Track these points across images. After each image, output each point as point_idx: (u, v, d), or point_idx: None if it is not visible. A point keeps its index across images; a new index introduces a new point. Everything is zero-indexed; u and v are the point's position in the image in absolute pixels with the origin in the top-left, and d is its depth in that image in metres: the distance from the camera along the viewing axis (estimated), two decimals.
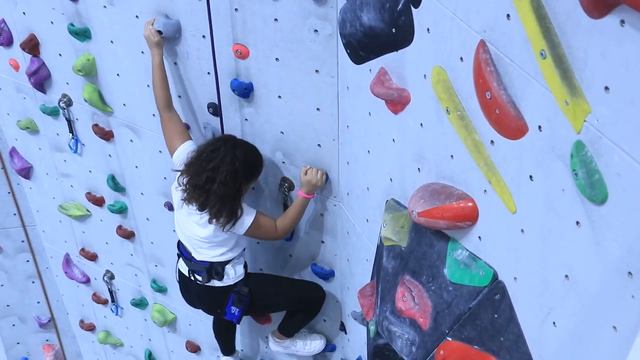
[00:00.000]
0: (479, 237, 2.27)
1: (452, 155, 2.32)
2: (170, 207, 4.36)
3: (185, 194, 3.37)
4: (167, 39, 3.50)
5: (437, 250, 2.47)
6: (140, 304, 5.28)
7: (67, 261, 5.52)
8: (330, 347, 4.28)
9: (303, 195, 3.51)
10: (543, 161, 1.85)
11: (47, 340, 6.37)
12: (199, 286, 3.69)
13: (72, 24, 3.87)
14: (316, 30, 3.05)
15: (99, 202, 4.78)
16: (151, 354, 5.72)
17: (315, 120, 3.35)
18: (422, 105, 2.45)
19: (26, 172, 5.06)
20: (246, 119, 3.56)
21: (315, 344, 4.19)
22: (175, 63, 3.62)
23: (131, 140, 4.22)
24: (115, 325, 5.73)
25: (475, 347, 2.33)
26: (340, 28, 2.90)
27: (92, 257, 5.27)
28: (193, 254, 3.60)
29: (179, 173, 3.41)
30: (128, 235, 4.85)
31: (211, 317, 4.84)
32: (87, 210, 4.95)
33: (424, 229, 2.51)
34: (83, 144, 4.52)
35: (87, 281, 5.52)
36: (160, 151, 4.09)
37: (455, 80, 2.19)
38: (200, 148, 3.36)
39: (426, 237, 2.52)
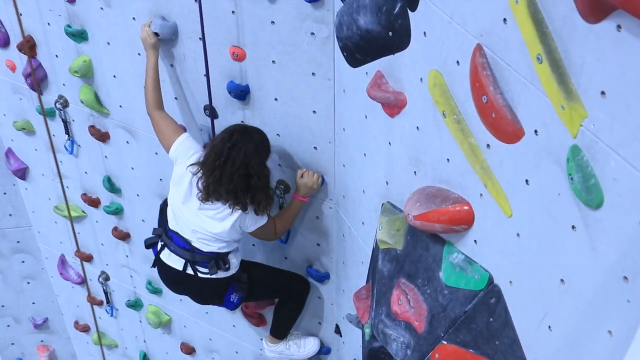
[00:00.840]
0: (475, 240, 2.27)
1: (448, 159, 2.32)
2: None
3: (209, 195, 3.30)
4: (164, 41, 3.50)
5: (433, 253, 2.47)
6: (135, 305, 5.27)
7: (62, 262, 5.51)
8: (325, 350, 4.28)
9: (299, 198, 3.51)
10: (539, 165, 1.85)
11: (41, 341, 6.35)
12: (197, 278, 3.58)
13: (69, 26, 3.86)
14: (313, 33, 3.05)
15: (94, 203, 4.78)
16: (146, 355, 5.71)
17: (311, 122, 3.36)
18: (418, 108, 2.46)
19: (22, 173, 5.05)
20: (242, 122, 3.56)
21: (310, 345, 4.19)
22: (172, 65, 3.62)
23: (127, 141, 4.22)
24: (110, 326, 5.72)
25: (471, 350, 2.33)
26: (337, 31, 2.90)
27: (88, 258, 5.26)
28: (196, 246, 3.49)
29: (193, 172, 3.32)
30: (123, 236, 4.84)
31: (205, 319, 4.84)
32: (83, 212, 4.94)
33: (419, 232, 2.51)
34: (79, 145, 4.51)
35: (82, 282, 5.51)
36: (156, 153, 4.08)
37: (451, 84, 2.20)
38: (215, 146, 3.26)
39: (422, 240, 2.52)
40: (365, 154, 3.06)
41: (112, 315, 5.55)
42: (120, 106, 4.06)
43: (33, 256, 5.70)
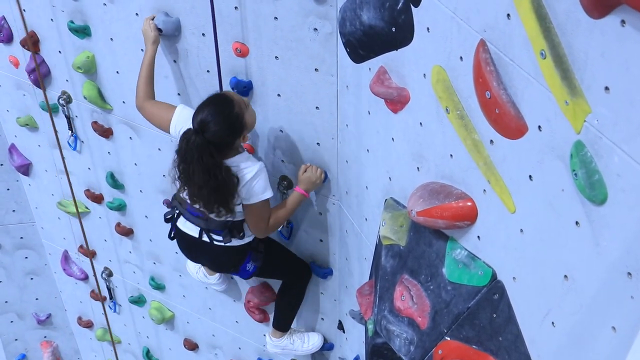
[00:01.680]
0: (478, 236, 2.27)
1: (451, 155, 2.32)
2: (168, 204, 4.35)
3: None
4: (167, 37, 3.50)
5: (436, 249, 2.47)
6: (138, 301, 5.28)
7: (66, 258, 5.52)
8: (328, 346, 4.28)
9: (300, 191, 3.46)
10: (543, 161, 1.85)
11: (45, 336, 6.36)
12: (213, 246, 3.54)
13: (72, 21, 3.86)
14: (316, 29, 3.04)
15: (97, 199, 4.78)
16: (149, 351, 5.72)
17: (314, 118, 3.35)
18: (421, 104, 2.45)
19: (25, 169, 5.06)
20: None
21: (313, 341, 4.19)
22: (175, 61, 3.62)
23: (130, 137, 4.22)
24: (113, 322, 5.73)
25: (474, 346, 2.33)
26: (340, 27, 2.89)
27: (91, 254, 5.26)
28: (211, 215, 3.41)
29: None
30: (127, 232, 4.85)
31: (208, 314, 4.84)
32: (86, 207, 4.94)
33: (422, 228, 2.51)
34: (82, 141, 4.51)
35: (85, 278, 5.52)
36: (159, 149, 4.08)
37: (454, 79, 2.19)
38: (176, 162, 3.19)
39: (425, 236, 2.52)
40: (368, 150, 3.05)
41: (115, 311, 5.56)
42: (124, 102, 4.07)
43: (36, 252, 5.71)
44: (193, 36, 3.45)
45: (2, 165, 5.16)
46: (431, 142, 2.44)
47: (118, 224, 4.85)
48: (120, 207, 4.71)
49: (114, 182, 4.56)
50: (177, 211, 3.59)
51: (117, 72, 3.93)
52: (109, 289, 5.38)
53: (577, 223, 1.75)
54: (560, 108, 1.71)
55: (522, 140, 1.91)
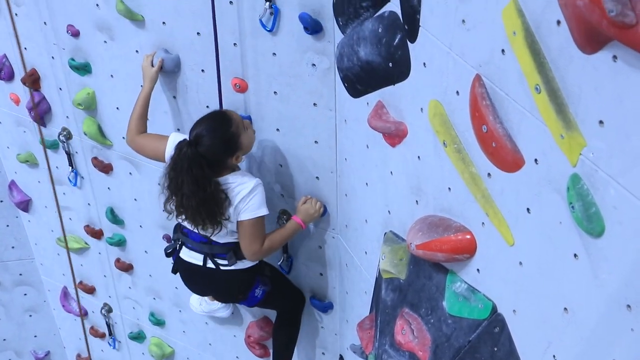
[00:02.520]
0: (478, 269, 2.27)
1: (449, 188, 2.33)
2: (168, 239, 4.35)
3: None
4: (167, 73, 3.54)
5: (436, 282, 2.47)
6: (138, 337, 5.24)
7: (65, 294, 5.49)
8: None
9: (297, 221, 3.43)
10: (540, 194, 1.86)
11: None
12: (220, 272, 3.51)
13: (72, 59, 3.91)
14: (314, 64, 3.08)
15: (97, 234, 4.78)
16: None
17: (313, 153, 3.37)
18: (419, 138, 2.47)
19: (25, 205, 5.06)
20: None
21: None
22: (174, 97, 3.65)
23: (130, 173, 4.24)
24: (112, 359, 5.68)
25: None
26: (338, 62, 2.93)
27: (90, 290, 5.25)
28: (213, 237, 3.40)
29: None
30: (126, 268, 4.84)
31: (209, 350, 4.81)
32: (86, 243, 4.94)
33: (422, 262, 2.51)
34: (82, 177, 4.53)
35: (85, 314, 5.49)
36: (159, 184, 4.09)
37: (451, 113, 2.22)
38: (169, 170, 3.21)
39: (425, 269, 2.52)
40: (367, 184, 3.07)
41: (114, 347, 5.52)
42: (124, 138, 4.07)
43: (35, 289, 5.69)
44: (192, 72, 3.49)
45: (1, 201, 5.17)
46: (429, 175, 2.46)
47: (118, 260, 4.84)
48: (120, 243, 4.71)
49: (114, 218, 4.56)
50: (179, 242, 3.58)
51: (117, 108, 3.96)
52: (108, 325, 5.35)
53: (575, 255, 1.76)
54: (556, 141, 1.73)
55: (519, 173, 1.93)
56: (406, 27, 2.39)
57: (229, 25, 3.18)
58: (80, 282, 5.25)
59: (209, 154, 3.11)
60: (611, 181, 1.58)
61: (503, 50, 1.87)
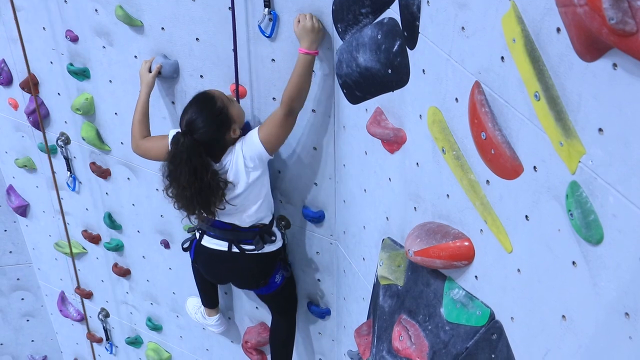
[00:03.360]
0: (476, 276, 2.27)
1: (448, 195, 2.33)
2: (166, 244, 4.35)
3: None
4: (165, 79, 3.54)
5: (434, 289, 2.46)
6: (135, 342, 5.23)
7: (62, 299, 5.48)
8: None
9: (303, 52, 2.91)
10: (539, 201, 1.86)
11: None
12: (245, 256, 3.48)
13: (71, 64, 3.91)
14: (313, 71, 3.08)
15: (95, 239, 4.77)
16: None
17: (312, 159, 3.37)
18: (418, 145, 2.47)
19: (23, 210, 5.06)
20: None
21: None
22: (173, 102, 3.65)
23: (128, 178, 4.23)
24: None
25: None
26: (337, 68, 2.93)
27: (88, 295, 5.24)
28: (237, 223, 3.37)
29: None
30: (124, 273, 4.83)
31: (206, 356, 4.79)
32: (83, 248, 4.93)
33: (420, 268, 2.51)
34: (80, 182, 4.52)
35: (82, 319, 5.48)
36: (157, 189, 4.09)
37: (450, 120, 2.22)
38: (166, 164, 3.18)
39: (423, 276, 2.52)
40: (365, 190, 3.07)
41: (111, 352, 5.50)
42: (122, 143, 4.09)
43: (32, 293, 5.68)
44: (191, 78, 3.49)
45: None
46: (428, 182, 2.46)
47: (115, 265, 4.83)
48: (118, 248, 4.70)
49: (112, 223, 4.56)
50: (200, 232, 3.55)
51: (116, 113, 3.96)
52: (105, 330, 5.34)
53: (574, 263, 1.76)
54: (555, 149, 1.73)
55: (518, 180, 1.93)
56: (405, 33, 2.39)
57: (228, 32, 3.19)
58: (78, 287, 5.23)
59: (206, 137, 3.08)
60: (610, 189, 1.58)
61: (502, 58, 1.87)
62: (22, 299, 5.72)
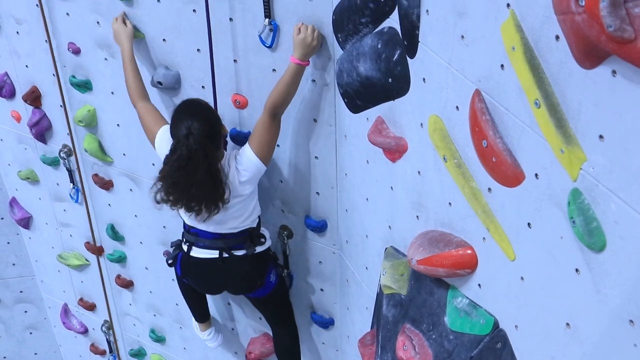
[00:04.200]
0: (479, 284, 2.26)
1: (450, 203, 2.33)
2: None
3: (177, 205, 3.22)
4: (167, 89, 3.55)
5: (437, 298, 2.46)
6: (138, 354, 5.22)
7: (65, 311, 5.48)
8: None
9: (296, 62, 2.97)
10: (541, 209, 1.86)
11: None
12: (237, 260, 3.49)
13: (73, 76, 3.92)
14: (314, 80, 3.09)
15: (98, 251, 4.77)
16: None
17: (313, 168, 3.37)
18: (419, 153, 2.47)
19: (26, 222, 5.06)
20: None
21: None
22: None
23: (130, 189, 4.24)
24: None
25: None
26: (338, 78, 2.94)
27: (91, 307, 5.23)
28: (226, 231, 3.41)
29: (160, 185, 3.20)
30: (127, 284, 4.83)
31: None
32: (86, 260, 4.93)
33: (423, 277, 2.50)
34: (83, 194, 4.53)
35: (85, 331, 5.47)
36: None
37: (451, 128, 2.22)
38: (170, 168, 3.12)
39: (426, 284, 2.51)
40: (367, 199, 3.07)
41: None
42: (124, 154, 4.10)
43: (35, 306, 5.67)
44: (193, 89, 3.50)
45: (2, 219, 5.17)
46: (430, 190, 2.45)
47: (118, 276, 4.83)
48: (121, 259, 4.70)
49: (114, 234, 4.56)
50: (187, 243, 3.55)
51: (118, 125, 3.97)
52: (108, 342, 5.33)
53: (577, 270, 1.75)
54: (556, 156, 1.73)
55: (520, 188, 1.93)
56: (405, 42, 2.40)
57: (228, 42, 3.20)
58: (81, 299, 5.23)
59: (209, 130, 3.08)
60: (612, 196, 1.58)
61: (502, 65, 1.87)
62: (25, 311, 5.71)
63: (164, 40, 3.42)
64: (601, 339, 1.72)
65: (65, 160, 4.37)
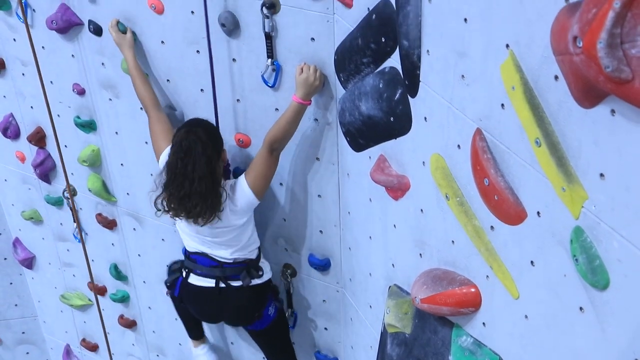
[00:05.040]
0: (483, 323, 2.25)
1: (453, 241, 2.33)
2: (171, 295, 4.32)
3: (172, 211, 3.24)
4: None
5: (442, 336, 2.44)
6: None
7: (68, 352, 5.44)
8: None
9: (298, 101, 3.00)
10: (543, 247, 1.86)
11: None
12: (234, 292, 3.47)
13: (78, 117, 3.96)
14: (316, 119, 3.11)
15: (101, 291, 4.76)
16: None
17: (316, 206, 3.38)
18: (421, 191, 2.48)
19: (29, 262, 5.06)
20: None
21: None
22: None
23: (134, 228, 4.24)
24: None
25: None
26: (340, 117, 2.96)
27: (93, 348, 5.19)
28: (222, 259, 3.42)
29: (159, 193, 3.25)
30: (130, 324, 4.80)
31: None
32: (89, 300, 4.91)
33: (427, 316, 2.49)
34: (86, 233, 4.53)
35: None
36: (163, 239, 4.10)
37: (453, 167, 2.23)
38: (171, 162, 3.18)
39: (430, 323, 2.50)
40: (370, 237, 3.07)
41: None
42: (128, 194, 4.11)
43: (37, 347, 5.63)
44: None
45: (5, 259, 5.16)
46: (432, 228, 2.46)
47: (121, 316, 4.81)
48: (124, 299, 4.68)
49: (118, 274, 4.55)
50: (186, 270, 3.55)
51: (122, 164, 3.99)
52: None
53: (581, 309, 1.74)
54: (558, 194, 1.74)
55: (522, 226, 1.93)
56: (407, 82, 2.42)
57: (231, 82, 3.23)
58: (83, 340, 5.20)
59: (210, 134, 3.16)
60: (614, 234, 1.58)
61: (503, 105, 1.89)
62: (27, 352, 5.67)
63: (168, 80, 3.46)
64: None
65: (69, 200, 4.38)
